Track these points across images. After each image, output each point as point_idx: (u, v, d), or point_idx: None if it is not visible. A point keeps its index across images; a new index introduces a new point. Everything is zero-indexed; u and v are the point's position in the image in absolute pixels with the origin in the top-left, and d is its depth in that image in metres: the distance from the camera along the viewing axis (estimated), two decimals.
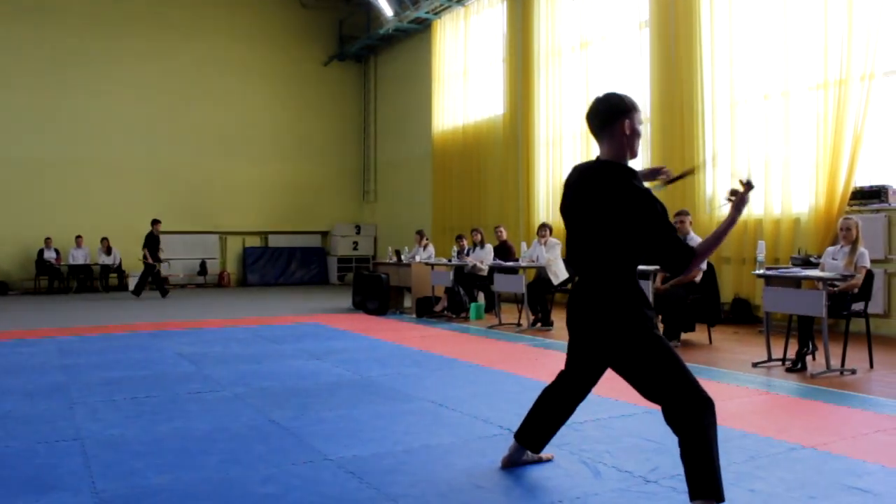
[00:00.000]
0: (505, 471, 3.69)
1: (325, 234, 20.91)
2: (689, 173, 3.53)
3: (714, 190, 10.62)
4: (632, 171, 3.13)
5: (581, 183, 3.22)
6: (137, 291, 14.93)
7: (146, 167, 18.34)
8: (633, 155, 3.20)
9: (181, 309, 12.73)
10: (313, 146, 20.50)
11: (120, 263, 17.44)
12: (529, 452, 3.72)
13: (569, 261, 3.33)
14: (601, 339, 3.16)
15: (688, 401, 2.95)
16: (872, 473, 3.63)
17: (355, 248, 20.53)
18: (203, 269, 18.85)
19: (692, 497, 2.90)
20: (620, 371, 3.15)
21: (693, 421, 2.92)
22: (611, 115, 3.15)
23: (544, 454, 3.79)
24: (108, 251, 17.21)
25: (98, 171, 17.83)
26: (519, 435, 3.68)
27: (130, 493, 3.39)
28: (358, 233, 20.67)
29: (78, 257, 17.03)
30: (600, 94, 3.27)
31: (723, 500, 2.88)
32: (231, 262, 19.70)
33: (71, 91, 17.62)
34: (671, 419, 2.98)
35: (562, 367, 3.62)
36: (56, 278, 16.86)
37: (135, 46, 18.27)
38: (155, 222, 15.17)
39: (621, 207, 3.01)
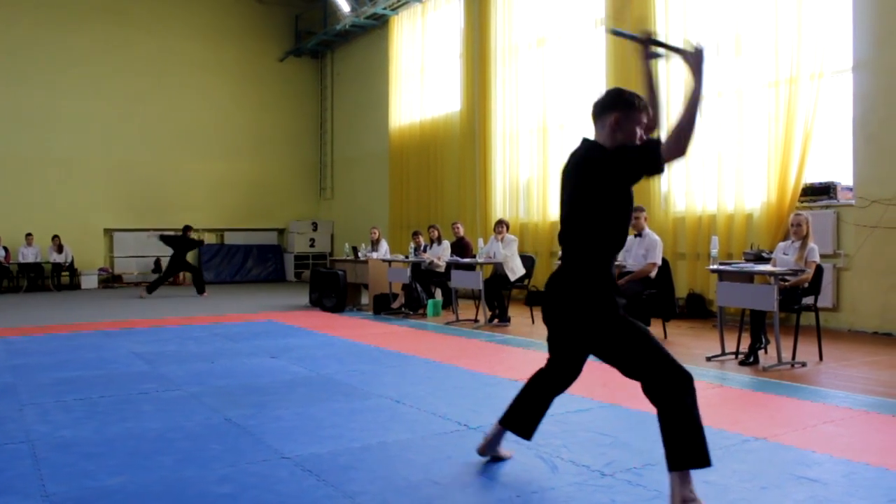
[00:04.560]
0: (462, 467, 3.69)
1: (281, 232, 20.76)
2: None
3: (669, 186, 10.74)
4: (602, 147, 3.21)
5: (567, 164, 3.35)
6: (151, 290, 14.76)
7: (99, 163, 18.02)
8: None
9: (135, 307, 12.55)
10: (270, 143, 20.32)
11: (72, 262, 17.12)
12: (500, 450, 3.75)
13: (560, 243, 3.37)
14: (573, 326, 3.25)
15: (666, 376, 3.04)
16: (821, 463, 3.71)
17: (312, 245, 20.40)
18: (157, 266, 18.58)
19: (673, 467, 2.97)
20: (598, 354, 3.23)
21: (674, 394, 3.01)
22: (605, 107, 3.25)
23: (505, 451, 3.79)
24: (60, 249, 16.88)
25: (49, 166, 17.46)
26: (505, 420, 3.67)
27: (82, 495, 3.34)
28: (315, 230, 20.55)
29: (28, 255, 16.66)
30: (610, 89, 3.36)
31: (710, 465, 2.96)
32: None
33: (20, 84, 17.22)
34: (652, 394, 3.06)
35: (519, 363, 3.67)
36: (5, 277, 16.47)
37: (89, 40, 17.92)
38: (187, 229, 15.26)
39: (593, 163, 3.16)
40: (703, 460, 2.95)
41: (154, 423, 4.59)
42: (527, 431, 3.65)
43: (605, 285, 3.17)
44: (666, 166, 3.04)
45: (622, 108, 3.20)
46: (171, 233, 15.87)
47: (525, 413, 3.63)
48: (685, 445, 2.96)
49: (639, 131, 3.21)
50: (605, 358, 3.21)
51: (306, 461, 3.78)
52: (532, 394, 3.63)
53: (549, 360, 3.57)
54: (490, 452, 3.74)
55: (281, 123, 20.52)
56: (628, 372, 3.15)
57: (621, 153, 3.10)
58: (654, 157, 3.02)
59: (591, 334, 3.19)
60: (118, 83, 18.24)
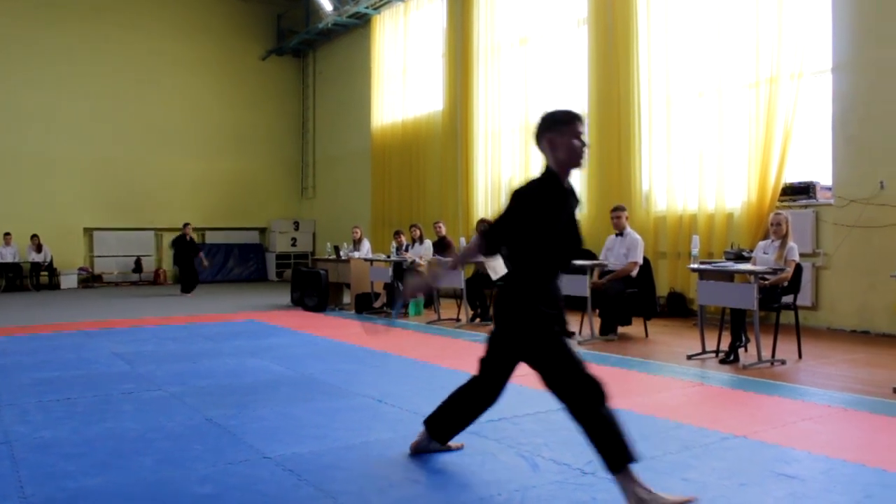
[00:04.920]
0: (443, 466, 3.70)
1: (263, 231, 20.69)
2: None
3: (651, 186, 10.79)
4: (543, 179, 3.35)
5: None
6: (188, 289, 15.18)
7: (79, 162, 17.88)
8: (565, 166, 3.36)
9: (116, 307, 12.47)
10: (251, 141, 20.24)
11: (51, 261, 16.98)
12: (432, 443, 3.87)
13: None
14: (506, 334, 3.48)
15: (582, 395, 3.16)
16: (800, 460, 3.74)
17: (294, 245, 20.35)
18: (138, 266, 18.49)
19: (613, 470, 3.09)
20: (527, 363, 3.40)
21: (591, 411, 3.14)
22: (538, 133, 3.41)
23: (453, 443, 3.91)
24: (39, 248, 16.74)
25: (28, 165, 17.30)
26: (429, 423, 3.82)
27: (61, 496, 3.31)
28: (297, 229, 20.49)
29: (6, 255, 16.51)
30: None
31: (636, 460, 3.08)
32: (167, 259, 19.31)
33: None
34: (570, 411, 3.20)
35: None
36: None
37: (69, 37, 17.77)
38: (185, 226, 15.50)
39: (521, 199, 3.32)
40: (630, 458, 3.07)
41: (134, 424, 4.57)
42: (444, 437, 3.83)
43: (534, 296, 3.32)
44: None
45: (552, 129, 3.35)
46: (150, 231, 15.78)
47: (448, 420, 3.78)
48: (613, 448, 3.08)
49: (576, 143, 3.34)
50: (532, 367, 3.36)
51: (288, 461, 3.77)
52: (461, 403, 3.74)
53: (481, 370, 3.68)
54: (420, 453, 3.86)
55: (263, 122, 20.45)
56: (549, 386, 3.28)
57: (505, 212, 3.35)
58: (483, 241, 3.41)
59: (517, 343, 3.41)
60: (98, 81, 18.10)
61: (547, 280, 3.38)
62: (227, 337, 8.56)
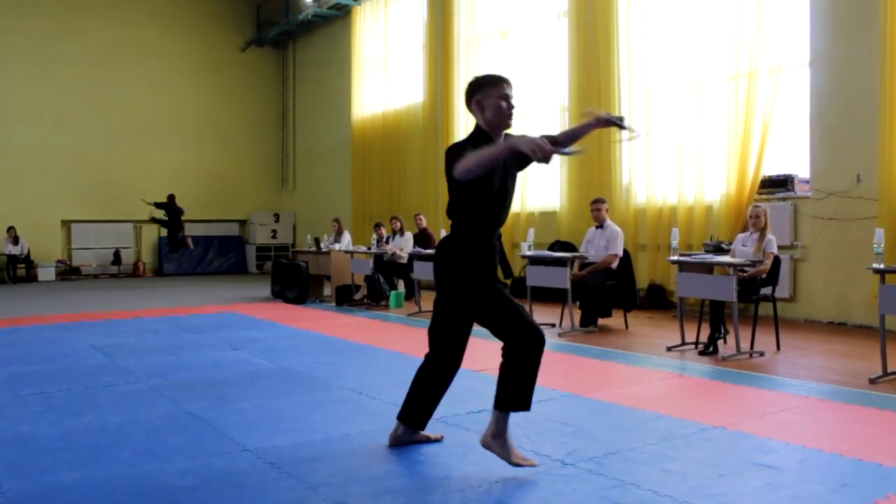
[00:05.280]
0: (424, 457, 3.70)
1: (243, 223, 20.61)
2: (618, 124, 3.73)
3: (630, 178, 10.83)
4: (474, 136, 3.52)
5: None
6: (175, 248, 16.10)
7: (55, 153, 17.71)
8: (494, 127, 3.53)
9: (94, 300, 12.38)
10: (231, 133, 20.13)
11: (28, 253, 16.83)
12: (413, 433, 3.89)
13: None
14: (445, 292, 3.63)
15: (526, 339, 3.39)
16: (777, 451, 3.77)
17: (274, 237, 20.28)
18: (117, 258, 18.37)
19: (504, 408, 3.42)
20: (472, 317, 3.61)
21: (530, 355, 3.39)
22: (467, 97, 3.61)
23: (433, 434, 3.95)
24: (16, 241, 16.57)
25: (4, 156, 17.13)
26: (402, 416, 3.85)
27: (40, 491, 3.29)
28: (277, 221, 20.42)
29: None
30: None
31: (527, 409, 3.45)
32: (146, 251, 19.25)
33: None
34: (511, 352, 3.42)
35: (481, 354, 3.81)
36: None
37: (45, 25, 17.57)
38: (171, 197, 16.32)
39: (449, 153, 3.46)
40: (528, 406, 3.44)
41: (113, 417, 4.54)
42: (420, 422, 3.87)
43: (467, 249, 3.51)
44: (461, 175, 3.31)
45: (478, 90, 3.54)
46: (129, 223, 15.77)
47: (419, 404, 3.82)
48: (520, 394, 3.41)
49: (503, 104, 3.51)
50: (477, 320, 3.58)
51: (268, 453, 3.77)
52: (424, 383, 3.79)
53: (432, 343, 3.78)
54: (399, 444, 3.88)
55: (242, 114, 20.34)
56: (495, 333, 3.48)
57: (446, 163, 3.44)
58: (448, 164, 3.40)
59: (457, 298, 3.59)
60: (76, 72, 17.95)
61: (481, 235, 3.54)
62: (207, 329, 8.52)
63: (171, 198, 16.21)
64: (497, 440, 3.45)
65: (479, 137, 3.50)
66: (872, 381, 5.42)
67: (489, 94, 3.51)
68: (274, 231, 20.30)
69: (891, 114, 7.90)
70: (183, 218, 16.57)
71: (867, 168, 8.22)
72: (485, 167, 3.28)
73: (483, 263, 3.52)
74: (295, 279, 11.72)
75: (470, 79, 3.65)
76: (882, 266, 5.58)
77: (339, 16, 17.94)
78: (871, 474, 3.41)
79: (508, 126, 3.56)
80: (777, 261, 6.81)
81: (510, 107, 3.53)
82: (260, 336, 8.00)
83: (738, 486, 3.27)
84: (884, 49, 7.96)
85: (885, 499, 3.12)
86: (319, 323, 9.12)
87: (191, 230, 19.28)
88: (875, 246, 5.70)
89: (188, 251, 16.56)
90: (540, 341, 3.41)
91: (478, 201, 3.48)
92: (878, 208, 8.01)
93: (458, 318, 3.68)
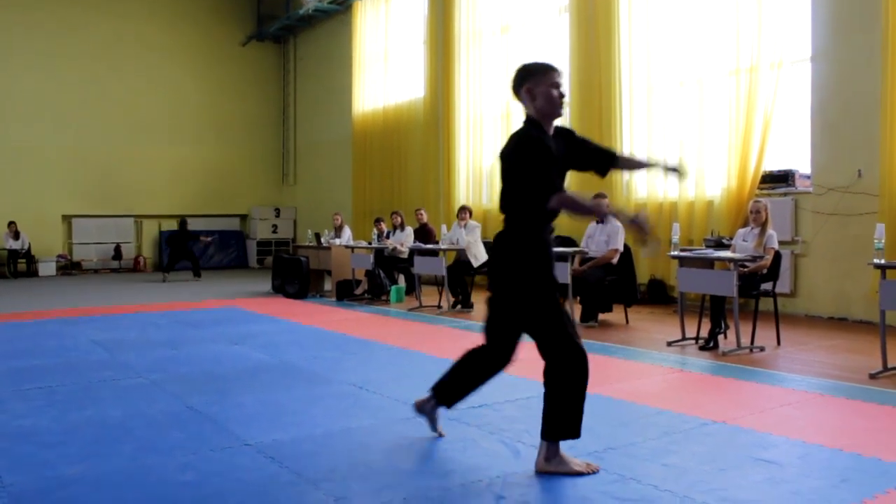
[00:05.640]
0: (425, 452, 3.71)
1: (244, 218, 20.59)
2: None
3: (631, 173, 10.80)
4: (534, 123, 3.44)
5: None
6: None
7: (56, 148, 17.68)
8: (545, 115, 3.46)
9: (95, 295, 12.39)
10: (231, 128, 20.09)
11: (29, 248, 16.81)
12: (435, 412, 3.87)
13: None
14: (501, 296, 3.52)
15: (572, 361, 3.32)
16: (777, 445, 3.78)
17: (275, 232, 20.27)
18: (118, 253, 18.37)
19: (553, 437, 3.36)
20: (522, 327, 3.49)
21: (575, 379, 3.33)
22: (515, 85, 3.52)
23: (440, 428, 3.92)
24: (16, 236, 16.55)
25: (5, 152, 17.10)
26: (437, 388, 3.81)
27: (42, 485, 3.30)
28: (277, 216, 20.41)
29: None
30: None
31: (579, 436, 3.40)
32: (147, 246, 19.24)
33: None
34: (554, 376, 3.35)
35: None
36: None
37: (46, 20, 17.52)
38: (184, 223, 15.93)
39: (510, 152, 3.40)
40: (576, 433, 3.38)
41: (114, 411, 4.55)
42: (450, 401, 3.80)
43: (534, 256, 3.41)
44: (555, 207, 3.31)
45: (528, 78, 3.46)
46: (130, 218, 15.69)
47: (456, 384, 3.76)
48: (568, 421, 3.35)
49: (554, 92, 3.44)
50: (525, 330, 3.47)
51: (269, 448, 3.77)
52: (469, 367, 3.72)
53: (486, 337, 3.66)
54: (420, 413, 3.90)
55: (243, 109, 20.30)
56: (541, 344, 3.40)
57: (519, 156, 3.37)
58: (541, 198, 3.30)
59: (512, 303, 3.46)
60: (76, 67, 17.91)
61: (541, 229, 3.45)
62: (208, 324, 8.53)
63: (183, 223, 15.92)
64: (551, 462, 3.37)
65: (535, 127, 3.41)
66: (873, 377, 5.43)
67: (540, 82, 3.43)
68: (275, 226, 20.29)
69: (891, 109, 7.89)
70: (183, 213, 16.56)
71: (868, 163, 8.21)
72: (577, 213, 3.50)
73: (544, 258, 3.43)
74: (295, 274, 11.72)
75: (519, 66, 3.55)
76: (882, 261, 5.58)
77: (339, 10, 17.91)
78: (871, 469, 3.42)
79: (559, 115, 3.49)
80: (778, 256, 6.81)
81: (561, 95, 3.45)
82: (260, 331, 8.00)
83: (738, 480, 3.28)
84: (885, 45, 7.95)
85: (885, 493, 3.13)
86: (320, 318, 9.13)
87: (192, 225, 19.24)
88: (876, 241, 5.70)
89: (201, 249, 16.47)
90: (585, 364, 3.33)
91: (538, 196, 3.33)
92: (878, 204, 8.00)
93: (512, 317, 3.52)
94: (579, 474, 3.34)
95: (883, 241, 5.70)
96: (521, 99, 3.49)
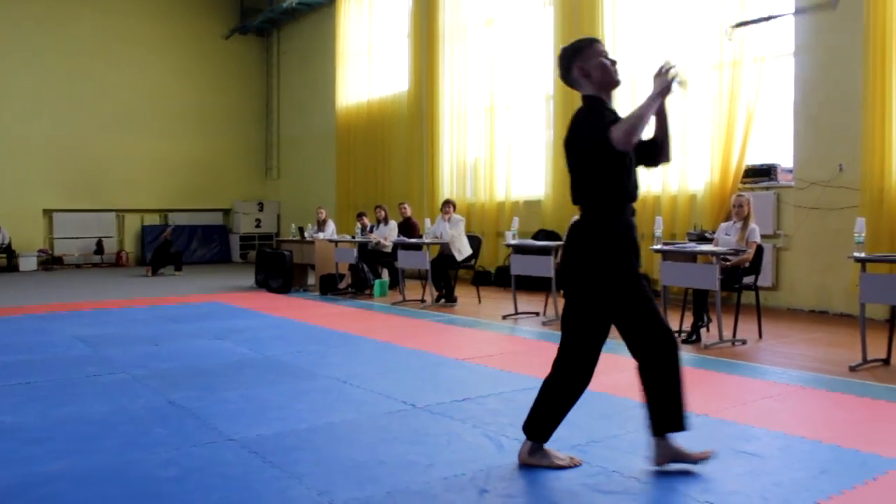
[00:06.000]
0: (408, 446, 3.71)
1: (227, 212, 20.51)
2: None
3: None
4: (594, 99, 3.33)
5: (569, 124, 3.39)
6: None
7: (37, 142, 17.52)
8: (605, 87, 3.35)
9: (77, 290, 12.32)
10: (214, 121, 20.00)
11: (9, 243, 16.68)
12: (539, 451, 3.41)
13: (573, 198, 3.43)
14: (585, 279, 3.30)
15: (663, 348, 3.24)
16: (759, 438, 3.81)
17: (258, 226, 20.21)
18: (100, 248, 18.25)
19: (661, 432, 3.28)
20: (608, 318, 3.32)
21: (668, 366, 3.24)
22: (566, 68, 3.39)
23: (571, 457, 3.44)
24: None
25: None
26: (527, 428, 3.42)
27: (25, 481, 3.28)
28: (261, 210, 20.34)
29: None
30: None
31: (686, 428, 3.29)
32: (129, 240, 19.12)
33: None
34: (649, 368, 3.27)
35: (465, 343, 3.71)
36: None
37: (28, 12, 17.35)
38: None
39: (577, 134, 3.27)
40: (683, 426, 3.28)
41: (97, 407, 4.53)
42: (543, 436, 3.41)
43: (624, 232, 3.30)
44: (626, 142, 3.13)
45: (575, 57, 3.34)
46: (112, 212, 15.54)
47: (544, 417, 3.39)
48: (668, 411, 3.26)
49: (605, 61, 3.32)
50: (618, 314, 3.31)
51: (252, 443, 3.77)
52: (550, 401, 3.39)
53: (562, 358, 3.38)
54: (537, 461, 3.39)
55: (226, 102, 20.21)
56: (630, 333, 3.30)
57: (587, 123, 3.23)
58: (587, 138, 3.21)
59: (595, 296, 3.29)
60: (58, 60, 17.75)
61: (624, 212, 3.33)
62: (191, 319, 8.50)
63: (167, 240, 15.77)
64: (667, 454, 3.29)
65: (597, 103, 3.30)
66: (853, 369, 5.48)
67: (588, 56, 3.32)
68: (258, 220, 20.22)
69: (873, 104, 7.95)
70: (165, 208, 16.45)
71: (849, 158, 8.26)
72: (645, 123, 3.16)
73: (630, 243, 3.30)
74: (279, 268, 11.69)
75: (560, 50, 3.41)
76: (863, 255, 5.63)
77: (323, 4, 17.85)
78: (850, 461, 3.45)
79: (618, 82, 3.35)
80: (760, 250, 6.85)
81: (614, 62, 3.34)
82: (244, 325, 7.98)
83: (720, 472, 3.30)
84: (866, 40, 8.00)
85: (864, 484, 3.16)
86: (303, 312, 9.11)
87: (174, 219, 19.27)
88: (856, 235, 5.74)
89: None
90: (675, 348, 3.24)
91: (615, 174, 3.25)
92: (859, 198, 8.06)
93: (598, 316, 3.29)
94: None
95: (863, 234, 5.74)
96: (574, 81, 3.37)
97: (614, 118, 3.21)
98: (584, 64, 3.32)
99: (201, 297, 10.81)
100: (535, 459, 3.37)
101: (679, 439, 3.33)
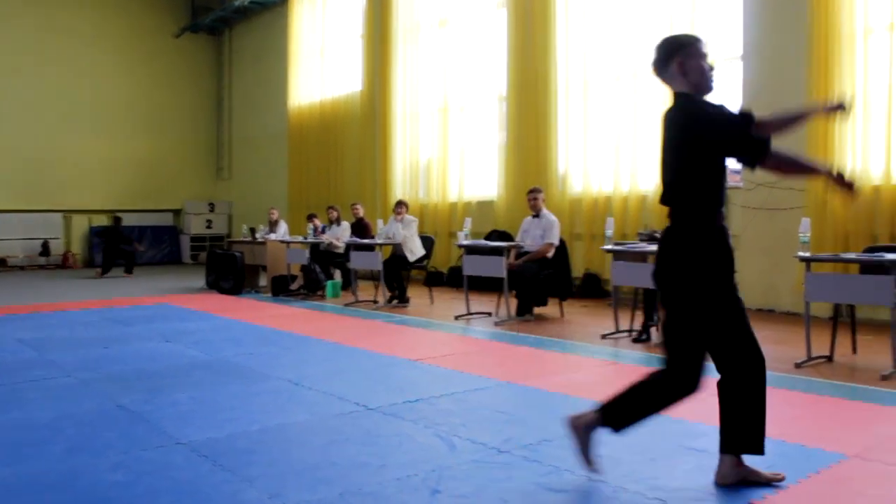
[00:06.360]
0: (360, 447, 3.69)
1: (177, 213, 20.24)
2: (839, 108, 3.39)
3: (567, 168, 10.94)
4: (690, 97, 3.19)
5: (664, 122, 3.25)
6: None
7: None
8: (699, 90, 3.20)
9: (22, 292, 12.05)
10: (165, 121, 19.72)
11: None
12: (591, 432, 3.25)
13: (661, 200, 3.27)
14: (685, 287, 3.16)
15: (752, 366, 3.14)
16: (707, 434, 3.85)
17: (209, 227, 19.98)
18: (45, 249, 17.87)
19: (734, 451, 3.15)
20: (707, 320, 3.18)
21: (755, 386, 3.13)
22: (664, 59, 3.21)
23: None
24: None
25: None
26: (604, 409, 3.27)
27: None
28: (212, 210, 20.12)
29: None
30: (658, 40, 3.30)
31: (763, 452, 3.15)
32: (76, 242, 18.75)
33: None
34: (733, 384, 3.15)
35: (418, 343, 3.69)
36: None
37: None
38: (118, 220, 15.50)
39: (693, 124, 3.10)
40: (759, 447, 3.13)
41: (42, 412, 4.43)
42: (618, 424, 3.26)
43: (713, 245, 3.13)
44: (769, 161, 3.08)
45: (679, 51, 3.18)
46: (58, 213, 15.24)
47: (628, 408, 3.26)
48: (748, 432, 3.13)
49: (704, 65, 3.20)
50: (711, 325, 3.17)
51: (203, 446, 3.72)
52: (645, 390, 3.27)
53: (671, 366, 3.25)
54: (577, 433, 3.27)
55: (177, 101, 19.95)
56: (718, 348, 3.18)
57: (717, 121, 3.12)
58: (759, 151, 3.09)
59: (684, 303, 3.16)
60: (1, 57, 17.35)
61: (719, 216, 3.14)
62: (140, 321, 8.37)
63: (117, 220, 15.61)
64: (738, 474, 3.15)
65: (702, 100, 3.19)
66: (798, 366, 5.59)
67: (691, 54, 3.15)
68: (209, 221, 19.99)
69: None
70: (114, 208, 16.17)
71: None
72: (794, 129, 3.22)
73: (726, 250, 3.14)
74: (230, 269, 11.58)
75: (662, 40, 3.27)
76: (808, 255, 5.74)
77: (276, 2, 17.71)
78: (795, 455, 3.52)
79: (712, 90, 3.23)
80: None
81: (712, 68, 3.21)
82: (194, 327, 7.89)
83: (669, 469, 3.35)
84: (810, 43, 8.18)
85: (807, 478, 3.23)
86: (255, 313, 9.03)
87: (124, 220, 18.88)
88: (801, 235, 5.86)
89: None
90: (764, 369, 3.13)
91: (714, 177, 3.10)
92: (804, 198, 8.23)
93: (691, 324, 3.17)
94: (768, 484, 3.17)
95: (808, 234, 5.86)
96: (669, 75, 3.20)
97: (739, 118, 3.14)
98: (684, 60, 3.16)
99: (151, 299, 10.66)
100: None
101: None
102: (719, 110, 3.10)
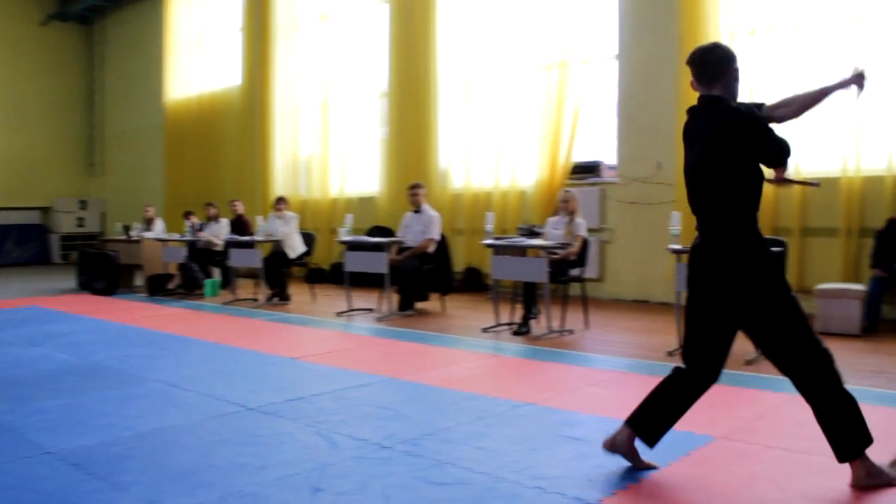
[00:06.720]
0: (240, 448, 3.62)
1: (45, 210, 19.32)
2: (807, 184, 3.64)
3: (448, 164, 11.03)
4: (735, 105, 3.22)
5: (692, 121, 3.34)
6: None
7: None
8: (734, 97, 3.28)
9: None
10: (31, 114, 18.76)
11: None
12: (631, 445, 3.30)
13: (692, 209, 3.32)
14: (717, 293, 3.16)
15: (824, 365, 3.04)
16: (585, 423, 3.97)
17: (81, 225, 19.17)
18: None
19: (847, 458, 3.02)
20: (745, 326, 3.17)
21: (838, 385, 3.02)
22: (721, 64, 3.24)
23: (647, 462, 3.32)
24: None
25: None
26: (634, 421, 3.30)
27: None
28: (84, 208, 19.31)
29: None
30: (705, 44, 3.36)
31: (871, 442, 3.02)
32: None
33: None
34: (817, 390, 3.04)
35: (299, 341, 3.64)
36: None
37: None
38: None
39: (729, 128, 3.11)
40: (868, 439, 3.01)
41: None
42: (652, 438, 3.28)
43: (761, 248, 3.13)
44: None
45: (735, 61, 3.27)
46: None
47: (657, 416, 3.29)
48: (849, 433, 3.01)
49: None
50: (755, 336, 3.19)
51: (73, 454, 3.57)
52: (671, 400, 3.29)
53: (690, 361, 3.26)
54: (621, 452, 3.31)
55: (44, 93, 19.00)
56: (778, 350, 3.11)
57: (761, 130, 3.10)
58: (785, 153, 3.13)
59: (748, 308, 3.12)
60: None
61: (756, 220, 3.15)
62: (5, 325, 7.95)
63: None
64: (870, 472, 3.02)
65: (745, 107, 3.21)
66: (670, 354, 5.81)
67: (736, 67, 3.25)
68: (81, 219, 19.19)
69: (686, 105, 8.42)
70: None
71: (666, 156, 8.75)
72: (817, 104, 3.24)
73: (771, 252, 3.13)
74: (104, 269, 11.14)
75: (714, 47, 3.30)
76: (678, 247, 5.97)
77: None
78: (667, 440, 3.62)
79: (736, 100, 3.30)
80: (586, 243, 7.15)
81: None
82: (65, 330, 7.55)
83: (548, 458, 3.42)
84: (680, 44, 8.50)
85: (678, 460, 3.36)
86: (131, 314, 8.73)
87: None
88: (671, 228, 6.09)
89: None
90: (831, 360, 3.04)
91: (754, 181, 3.13)
92: (675, 193, 8.54)
93: (727, 330, 3.18)
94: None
95: (679, 227, 6.10)
96: (724, 82, 3.23)
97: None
98: (735, 71, 3.25)
99: (16, 302, 10.15)
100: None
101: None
102: (756, 118, 3.16)
